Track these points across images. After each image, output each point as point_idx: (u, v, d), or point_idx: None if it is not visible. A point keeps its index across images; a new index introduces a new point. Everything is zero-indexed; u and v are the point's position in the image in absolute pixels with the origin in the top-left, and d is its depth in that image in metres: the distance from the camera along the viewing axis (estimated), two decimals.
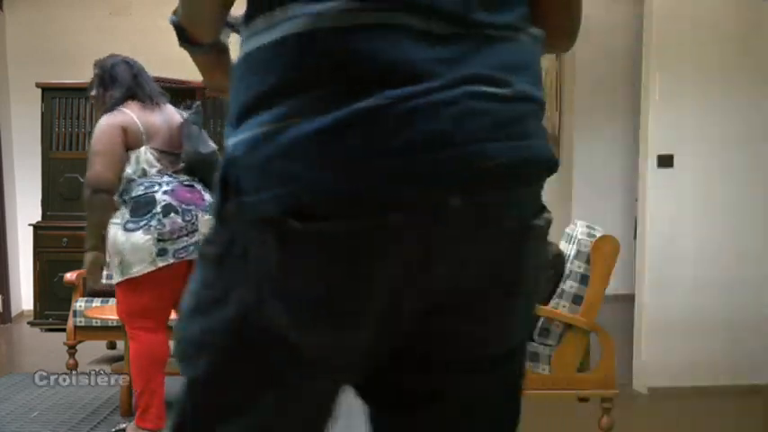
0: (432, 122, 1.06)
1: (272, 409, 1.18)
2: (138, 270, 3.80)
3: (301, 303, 1.10)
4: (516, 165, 1.18)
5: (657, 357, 5.60)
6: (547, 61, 9.44)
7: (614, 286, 5.55)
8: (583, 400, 4.59)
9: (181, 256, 3.77)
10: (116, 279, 3.95)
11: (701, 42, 5.51)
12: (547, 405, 5.21)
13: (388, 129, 1.05)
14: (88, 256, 3.94)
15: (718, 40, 5.52)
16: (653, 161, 5.54)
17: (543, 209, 1.37)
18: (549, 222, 1.37)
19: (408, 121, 1.05)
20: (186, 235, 3.83)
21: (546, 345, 4.32)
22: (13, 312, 7.79)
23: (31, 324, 6.89)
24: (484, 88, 1.11)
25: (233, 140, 1.11)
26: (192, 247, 3.81)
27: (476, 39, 1.13)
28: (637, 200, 5.95)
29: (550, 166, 1.33)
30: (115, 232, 3.80)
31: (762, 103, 5.58)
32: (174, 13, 1.34)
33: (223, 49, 1.40)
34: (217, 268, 1.15)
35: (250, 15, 1.15)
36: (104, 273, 6.43)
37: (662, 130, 5.54)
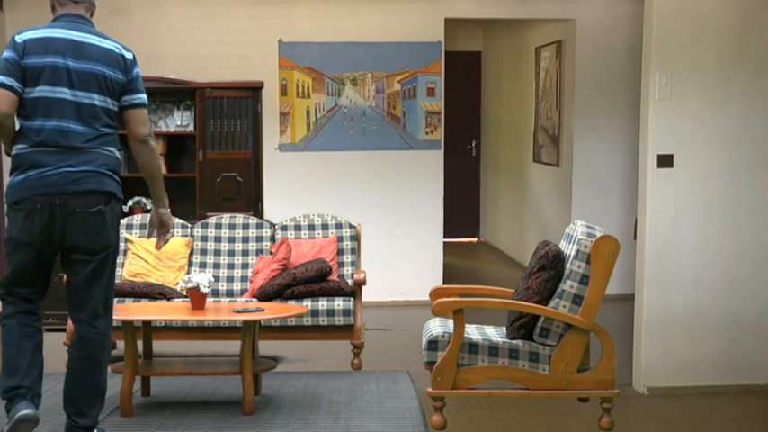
0: (48, 179, 3.84)
1: (25, 256, 3.92)
2: None
3: (22, 227, 3.87)
4: (78, 192, 3.86)
5: (657, 357, 5.61)
6: (548, 62, 9.45)
7: (614, 286, 5.56)
8: (583, 400, 4.60)
9: None
10: None
11: (701, 42, 5.52)
12: (547, 405, 5.22)
13: (36, 179, 3.84)
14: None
15: (719, 40, 5.53)
16: (653, 161, 5.54)
17: (98, 205, 3.88)
18: (100, 210, 3.90)
19: (42, 177, 3.84)
20: None
21: (546, 345, 4.33)
22: None
23: None
24: (68, 169, 3.84)
25: (9, 180, 3.94)
26: None
27: (67, 149, 3.87)
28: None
29: (100, 192, 3.90)
30: None
31: (762, 103, 5.58)
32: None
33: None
34: (7, 222, 3.95)
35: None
36: None
37: (662, 130, 5.54)
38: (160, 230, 4.27)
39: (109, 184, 3.91)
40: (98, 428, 4.12)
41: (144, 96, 4.04)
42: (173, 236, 4.37)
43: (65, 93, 3.85)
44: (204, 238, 6.36)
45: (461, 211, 11.82)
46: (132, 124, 4.00)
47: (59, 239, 3.87)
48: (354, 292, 5.94)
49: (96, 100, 3.89)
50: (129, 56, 4.00)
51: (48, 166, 3.83)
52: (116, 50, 3.97)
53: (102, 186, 3.88)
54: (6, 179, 4.06)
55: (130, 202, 7.31)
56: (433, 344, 4.36)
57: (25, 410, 3.82)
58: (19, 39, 3.87)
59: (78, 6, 4.04)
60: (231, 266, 6.29)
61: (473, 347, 4.31)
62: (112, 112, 3.96)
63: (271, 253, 6.16)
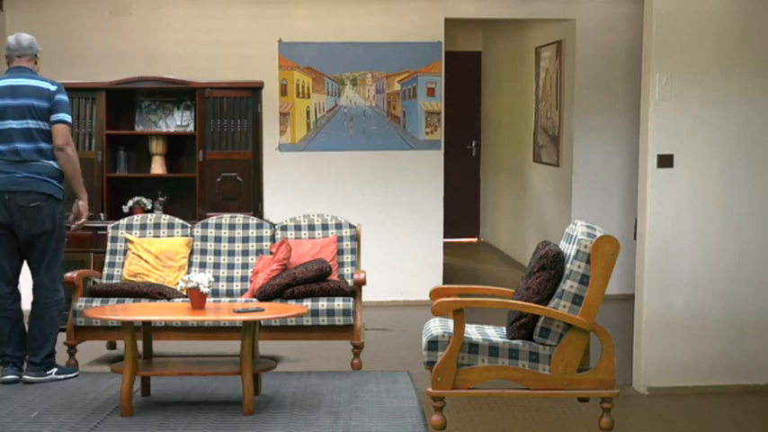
0: (1, 182, 5.35)
1: None
2: None
3: None
4: (21, 191, 5.34)
5: (657, 357, 5.61)
6: (548, 62, 9.45)
7: (614, 286, 5.56)
8: (583, 400, 4.60)
9: None
10: None
11: (701, 42, 5.52)
12: (547, 405, 5.22)
13: None
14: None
15: (719, 40, 5.52)
16: (653, 161, 5.54)
17: (38, 201, 5.34)
18: (38, 206, 5.34)
19: None
20: None
21: (546, 345, 4.33)
22: None
23: None
24: (14, 175, 5.35)
25: None
26: None
27: (17, 162, 5.38)
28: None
29: (38, 192, 5.36)
30: None
31: (762, 103, 5.58)
32: None
33: None
34: None
35: None
36: (104, 272, 6.43)
37: (662, 130, 5.54)
38: (75, 219, 5.67)
39: (46, 188, 5.40)
40: (59, 367, 5.52)
41: (63, 116, 5.43)
42: (83, 225, 5.77)
43: (11, 123, 5.37)
44: (204, 238, 6.36)
45: (461, 211, 11.82)
46: (53, 136, 5.42)
47: (12, 224, 5.38)
48: (354, 292, 5.93)
49: (31, 124, 5.39)
50: (53, 88, 5.46)
51: (0, 173, 5.36)
52: (42, 86, 5.45)
53: (40, 189, 5.38)
54: None
55: (130, 203, 7.30)
56: (433, 344, 4.36)
57: (8, 375, 5.41)
58: None
59: (21, 59, 5.51)
60: (231, 266, 6.29)
61: (473, 347, 4.31)
62: (46, 132, 5.42)
63: (271, 253, 6.16)
